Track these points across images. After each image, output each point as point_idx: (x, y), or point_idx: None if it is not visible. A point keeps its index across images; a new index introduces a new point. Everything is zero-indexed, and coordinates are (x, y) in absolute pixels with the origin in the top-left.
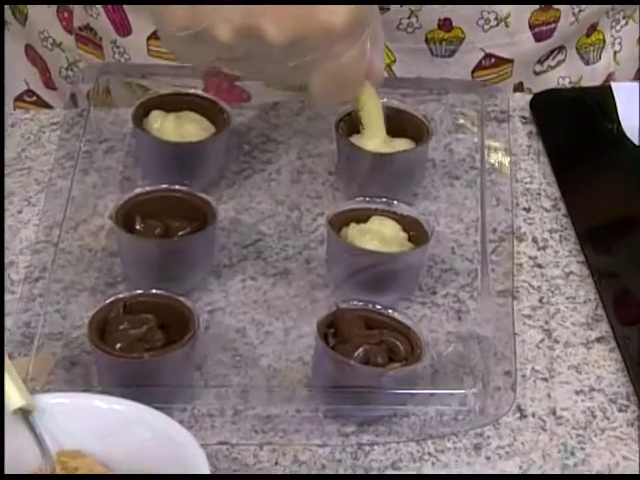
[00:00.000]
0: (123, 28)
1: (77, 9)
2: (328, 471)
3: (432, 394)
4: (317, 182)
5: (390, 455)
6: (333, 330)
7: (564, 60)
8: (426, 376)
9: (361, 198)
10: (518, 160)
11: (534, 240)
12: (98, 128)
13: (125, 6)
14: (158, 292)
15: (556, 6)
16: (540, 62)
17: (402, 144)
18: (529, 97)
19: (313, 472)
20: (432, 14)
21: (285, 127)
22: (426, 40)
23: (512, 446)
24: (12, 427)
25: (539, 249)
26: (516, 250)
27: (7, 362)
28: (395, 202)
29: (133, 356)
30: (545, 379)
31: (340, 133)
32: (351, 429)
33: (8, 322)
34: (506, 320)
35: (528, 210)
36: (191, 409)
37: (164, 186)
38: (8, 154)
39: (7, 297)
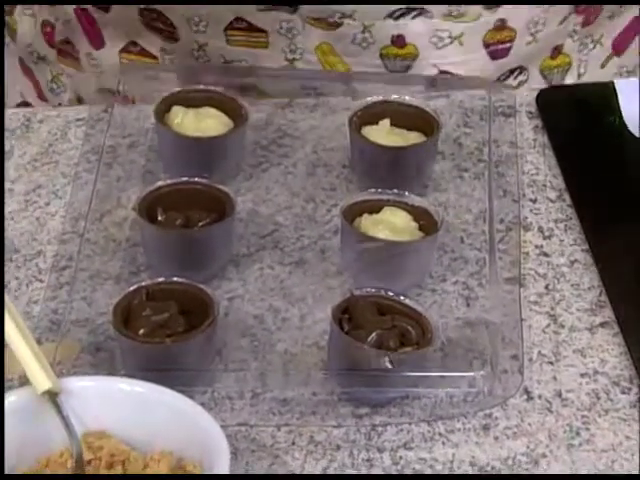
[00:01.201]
0: (97, 41)
1: (59, 24)
2: (343, 451)
3: (442, 377)
4: (331, 175)
5: (402, 435)
6: (347, 316)
7: (526, 81)
8: (436, 360)
9: (373, 190)
10: (524, 153)
11: (540, 229)
12: (122, 124)
13: (99, 20)
14: (179, 280)
15: (512, 26)
16: (500, 81)
17: (413, 138)
18: (535, 93)
19: (328, 452)
20: (385, 30)
21: (301, 122)
22: (380, 55)
23: (519, 427)
24: (40, 409)
25: (545, 238)
26: (523, 239)
27: (35, 347)
28: (406, 193)
29: (155, 341)
30: (551, 362)
31: (353, 127)
32: (365, 411)
33: (36, 309)
34: (513, 306)
35: (534, 201)
36: (211, 392)
37: (184, 179)
38: (35, 149)
39: (35, 285)
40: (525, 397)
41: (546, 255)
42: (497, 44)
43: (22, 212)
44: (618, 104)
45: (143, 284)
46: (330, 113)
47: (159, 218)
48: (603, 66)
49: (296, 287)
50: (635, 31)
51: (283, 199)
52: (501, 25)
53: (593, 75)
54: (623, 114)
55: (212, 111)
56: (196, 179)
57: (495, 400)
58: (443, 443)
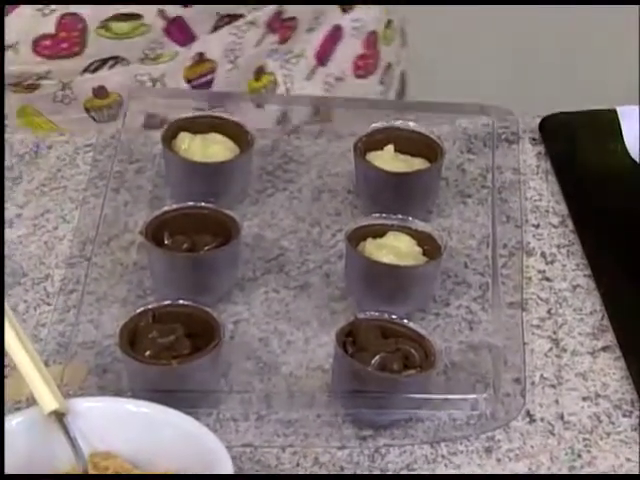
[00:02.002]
0: None
1: None
2: (347, 472)
3: (445, 399)
4: (336, 200)
5: (405, 457)
6: (351, 339)
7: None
8: (440, 382)
9: (378, 214)
10: (527, 179)
11: (542, 255)
12: (129, 149)
13: None
14: (185, 303)
15: (210, 57)
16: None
17: (417, 163)
18: (538, 119)
19: (332, 473)
20: (84, 84)
21: (306, 148)
22: (86, 109)
23: (522, 449)
24: (47, 429)
25: (547, 263)
26: (525, 264)
27: (42, 368)
28: (410, 218)
29: (162, 363)
30: (553, 386)
31: (358, 153)
32: (368, 433)
33: (44, 332)
34: (516, 330)
35: (537, 226)
36: (216, 414)
37: (191, 203)
38: (44, 174)
39: (43, 308)
40: (527, 420)
41: (548, 280)
42: (199, 78)
43: (30, 236)
44: (620, 131)
45: (150, 307)
46: (335, 139)
47: (166, 242)
48: (309, 78)
49: (301, 311)
50: (335, 39)
51: (288, 224)
52: (199, 59)
53: (300, 87)
54: (625, 141)
55: (218, 137)
56: (202, 204)
57: (497, 423)
58: (446, 465)
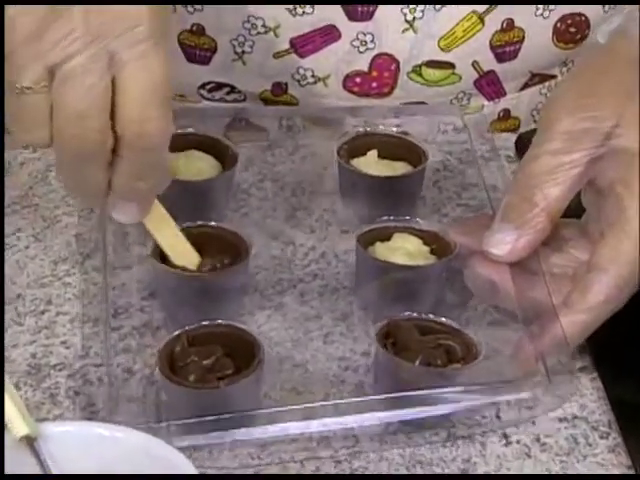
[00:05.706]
0: None
1: None
2: None
3: (502, 385)
4: (311, 218)
5: None
6: (391, 340)
7: None
8: (486, 372)
9: (386, 218)
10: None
11: None
12: None
13: None
14: (222, 322)
15: (515, 114)
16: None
17: (400, 167)
18: (514, 137)
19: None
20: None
21: (280, 166)
22: None
23: (498, 472)
24: (17, 454)
25: None
26: None
27: (13, 391)
28: (417, 219)
29: (210, 386)
30: (529, 407)
31: (343, 159)
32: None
33: (14, 353)
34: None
35: None
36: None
37: (200, 222)
38: (16, 192)
39: (14, 329)
40: (504, 442)
41: None
42: (503, 133)
43: None
44: None
45: (182, 330)
46: (310, 156)
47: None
48: None
49: (274, 331)
50: None
51: (262, 242)
52: (505, 115)
53: None
54: None
55: (199, 154)
56: (212, 223)
57: (556, 404)
58: None
